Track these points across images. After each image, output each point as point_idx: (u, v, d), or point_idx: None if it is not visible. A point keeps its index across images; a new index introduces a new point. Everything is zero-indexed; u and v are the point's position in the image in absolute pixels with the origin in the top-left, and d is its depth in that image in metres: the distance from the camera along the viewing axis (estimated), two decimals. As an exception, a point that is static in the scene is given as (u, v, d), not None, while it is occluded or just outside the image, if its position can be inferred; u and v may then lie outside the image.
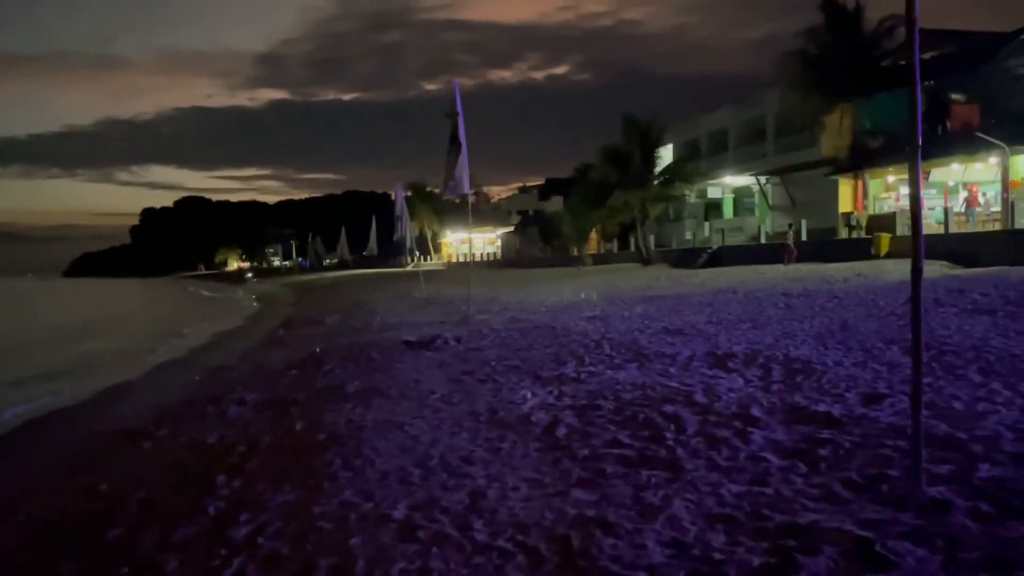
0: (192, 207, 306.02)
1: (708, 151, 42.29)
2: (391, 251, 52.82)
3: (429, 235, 77.04)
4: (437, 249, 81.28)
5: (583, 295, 19.80)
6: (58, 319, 36.67)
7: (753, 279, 20.97)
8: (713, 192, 43.23)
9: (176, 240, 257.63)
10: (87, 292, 78.98)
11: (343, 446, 5.48)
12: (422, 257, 77.38)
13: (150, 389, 11.76)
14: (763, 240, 32.78)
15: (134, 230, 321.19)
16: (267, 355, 13.71)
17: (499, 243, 72.74)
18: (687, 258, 34.11)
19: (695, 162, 38.58)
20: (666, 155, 39.59)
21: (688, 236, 41.70)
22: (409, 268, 39.16)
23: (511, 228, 70.78)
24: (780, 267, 25.10)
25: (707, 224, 42.26)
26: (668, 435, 4.92)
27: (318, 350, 12.69)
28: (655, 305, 15.45)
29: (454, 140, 14.59)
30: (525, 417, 5.77)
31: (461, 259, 71.43)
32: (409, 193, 74.13)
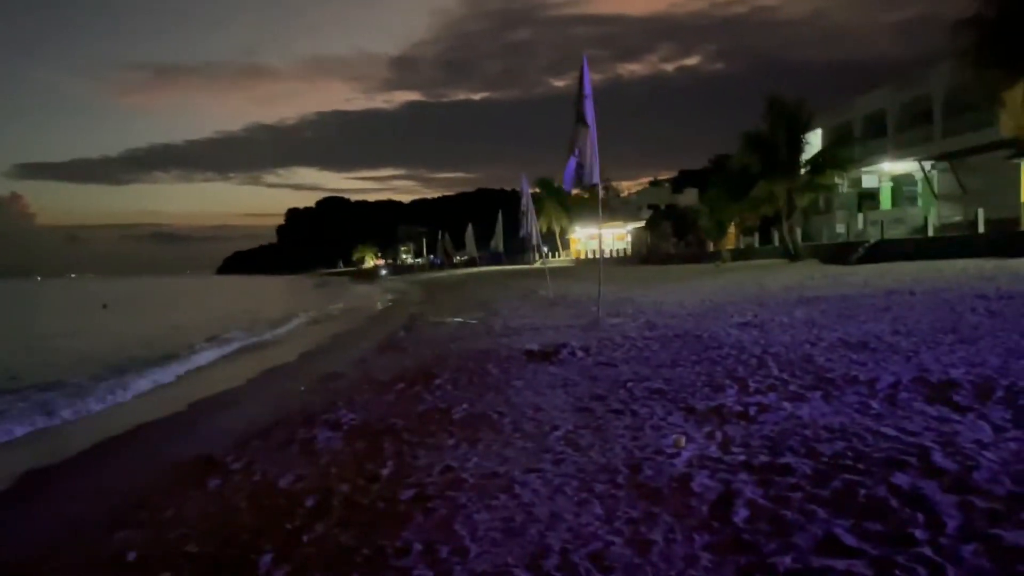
0: (332, 207, 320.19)
1: (862, 136, 38.44)
2: (517, 248, 51.77)
3: (557, 231, 75.72)
4: (565, 246, 79.81)
5: (728, 295, 17.70)
6: (195, 314, 37.88)
7: (929, 277, 18.14)
8: (868, 181, 39.34)
9: (317, 238, 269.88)
10: (231, 288, 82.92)
11: (430, 516, 4.01)
12: (550, 254, 76.19)
13: (251, 399, 10.85)
14: (931, 232, 29.16)
15: (280, 229, 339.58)
16: (380, 362, 12.60)
17: (629, 239, 70.33)
18: (840, 253, 30.92)
19: (848, 148, 35.00)
20: (814, 141, 36.25)
21: (840, 229, 38.16)
22: (536, 265, 37.86)
23: (642, 223, 68.20)
24: (958, 263, 21.89)
25: (861, 216, 38.53)
26: (918, 534, 3.13)
27: (432, 358, 11.46)
28: (817, 309, 13.24)
29: (580, 121, 12.95)
30: (681, 481, 4.10)
31: (589, 255, 69.65)
32: (537, 189, 73.19)
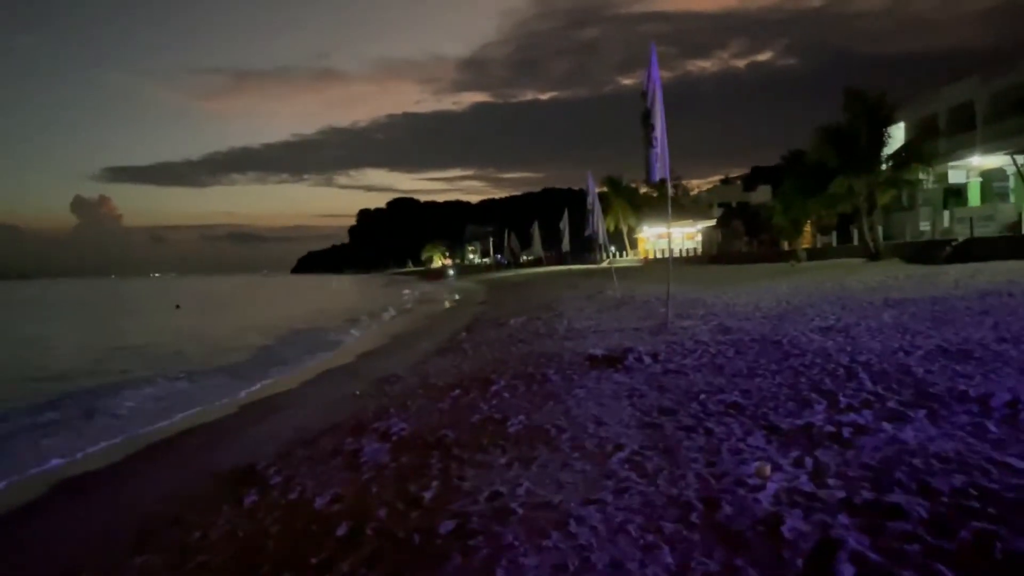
0: (402, 207, 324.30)
1: (948, 129, 36.32)
2: (584, 247, 50.94)
3: (625, 230, 74.47)
4: (633, 245, 78.48)
5: (806, 297, 16.69)
6: (265, 313, 38.41)
7: (1026, 278, 16.76)
8: (954, 176, 37.10)
9: (388, 238, 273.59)
10: (305, 287, 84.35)
11: (470, 557, 3.46)
12: (617, 253, 74.95)
13: (302, 403, 10.53)
14: (1025, 230, 27.24)
15: (352, 230, 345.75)
16: (439, 364, 12.16)
17: (699, 238, 68.59)
18: (925, 252, 29.20)
19: (933, 141, 33.05)
20: (897, 135, 34.39)
21: (924, 227, 36.15)
22: (603, 265, 37.07)
23: (712, 221, 66.41)
24: (1059, 262, 20.27)
25: (947, 213, 36.41)
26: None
27: (492, 362, 10.96)
28: (906, 312, 12.23)
29: (650, 113, 12.25)
30: (768, 523, 3.45)
31: (658, 255, 68.28)
32: (604, 188, 72.12)
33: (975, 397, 5.60)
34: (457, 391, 8.75)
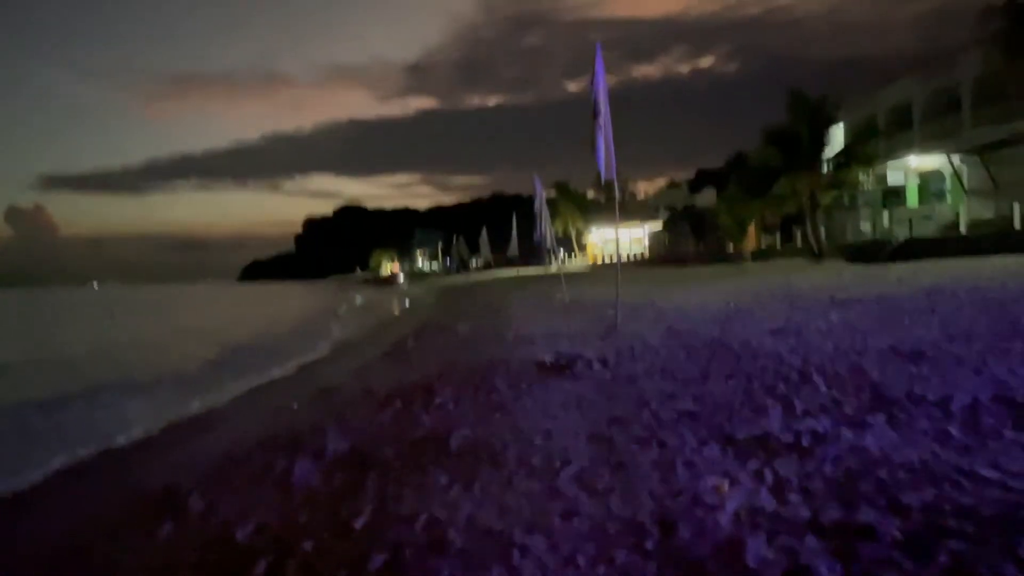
0: (350, 215, 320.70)
1: (887, 130, 37.11)
2: (533, 252, 50.85)
3: (573, 234, 74.76)
4: (582, 249, 78.82)
5: (754, 298, 16.66)
6: (205, 323, 37.29)
7: (967, 276, 16.99)
8: (893, 177, 37.99)
9: (335, 245, 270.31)
10: (247, 296, 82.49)
11: (401, 595, 3.08)
12: (566, 257, 75.13)
13: (238, 418, 9.98)
14: (962, 229, 27.93)
15: (298, 238, 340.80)
16: (382, 373, 11.70)
17: (647, 241, 69.16)
18: (867, 252, 29.77)
19: (872, 142, 33.73)
20: (837, 136, 35.05)
21: (864, 227, 36.92)
22: (552, 269, 36.93)
23: (659, 224, 67.05)
24: (995, 260, 20.72)
25: (886, 213, 37.24)
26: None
27: (438, 370, 10.56)
28: (854, 312, 12.19)
29: (595, 112, 12.02)
30: (730, 547, 3.14)
31: (607, 259, 68.63)
32: (553, 193, 72.23)
33: (934, 400, 5.41)
34: (399, 402, 8.33)
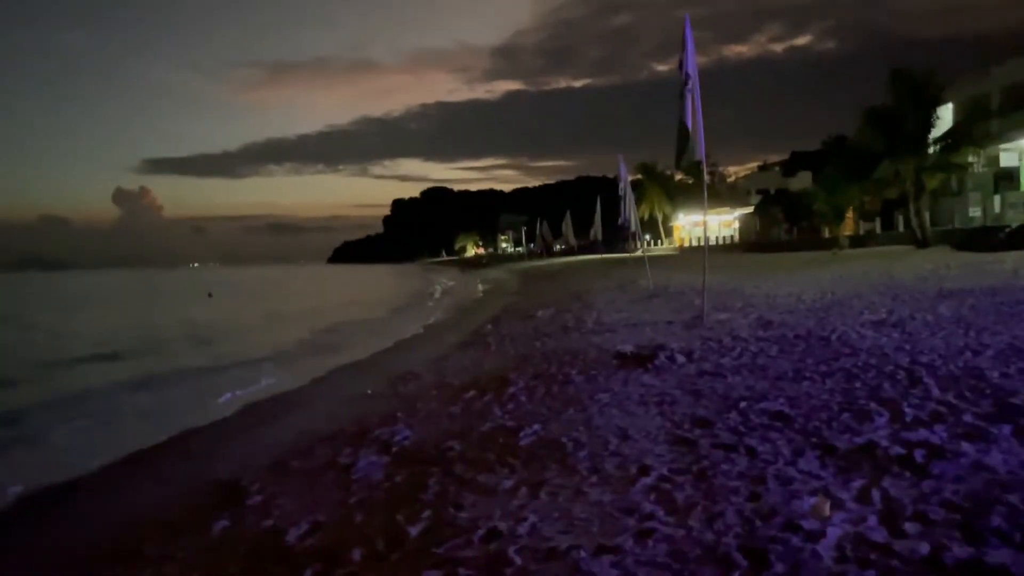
0: (436, 197, 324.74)
1: (1001, 110, 34.54)
2: (617, 236, 49.88)
3: (660, 218, 73.23)
4: (668, 233, 77.15)
5: (852, 287, 15.66)
6: (295, 304, 38.12)
7: (1095, 266, 15.56)
8: (1007, 159, 35.35)
9: (422, 227, 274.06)
10: (335, 276, 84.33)
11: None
12: (652, 241, 73.67)
13: (310, 403, 9.88)
14: (1087, 215, 25.73)
15: (386, 219, 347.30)
16: (459, 360, 11.46)
17: (736, 225, 67.02)
18: (976, 239, 27.77)
19: (984, 122, 31.41)
20: (945, 116, 32.83)
21: (973, 213, 34.57)
22: (636, 254, 36.12)
23: (750, 208, 64.78)
24: None
25: (997, 198, 34.77)
26: None
27: (514, 359, 10.25)
28: (965, 304, 11.22)
29: (684, 89, 11.36)
30: (833, 589, 2.66)
31: (694, 243, 66.90)
32: (639, 175, 70.86)
33: (1071, 410, 4.72)
34: (472, 392, 8.04)
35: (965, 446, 4.18)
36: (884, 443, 4.39)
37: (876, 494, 3.58)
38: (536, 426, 5.88)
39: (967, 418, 4.77)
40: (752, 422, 5.25)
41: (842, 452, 4.35)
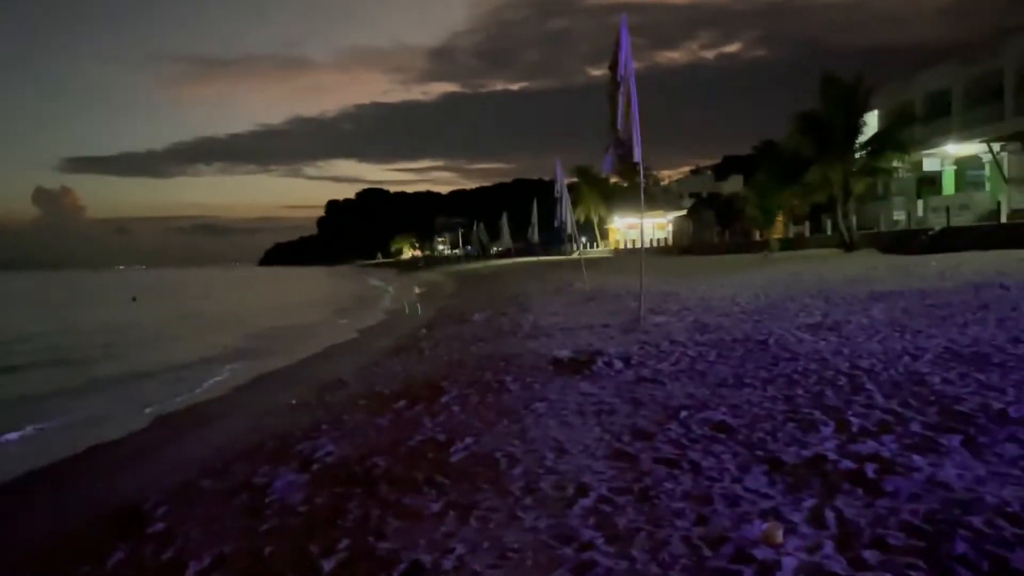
0: (372, 198, 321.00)
1: (924, 116, 35.68)
2: (554, 238, 49.83)
3: (595, 221, 73.69)
4: (604, 235, 77.73)
5: (785, 290, 15.76)
6: (221, 308, 36.88)
7: (1014, 269, 16.00)
8: (929, 164, 36.55)
9: (357, 229, 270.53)
10: (265, 279, 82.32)
11: None
12: (588, 244, 74.06)
13: (231, 415, 9.32)
14: (1003, 219, 26.70)
15: (320, 221, 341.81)
16: (391, 368, 11.02)
17: (670, 228, 67.93)
18: (901, 242, 28.56)
19: (909, 129, 32.34)
20: (871, 122, 33.72)
21: (898, 216, 35.64)
22: (573, 256, 36.09)
23: (683, 212, 65.77)
24: (1042, 252, 19.58)
25: (920, 202, 35.92)
26: None
27: (447, 365, 9.87)
28: (896, 306, 11.31)
29: (616, 89, 11.16)
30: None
31: (629, 245, 67.53)
32: (575, 178, 71.11)
33: (1017, 418, 4.60)
34: (402, 402, 7.63)
35: (917, 459, 3.98)
36: (832, 456, 4.17)
37: (830, 515, 3.33)
38: (468, 439, 5.52)
39: (915, 427, 4.61)
40: (694, 433, 4.99)
41: (789, 466, 4.12)
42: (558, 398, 6.70)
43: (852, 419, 4.91)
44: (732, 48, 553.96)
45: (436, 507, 4.12)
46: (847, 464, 3.99)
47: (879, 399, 5.43)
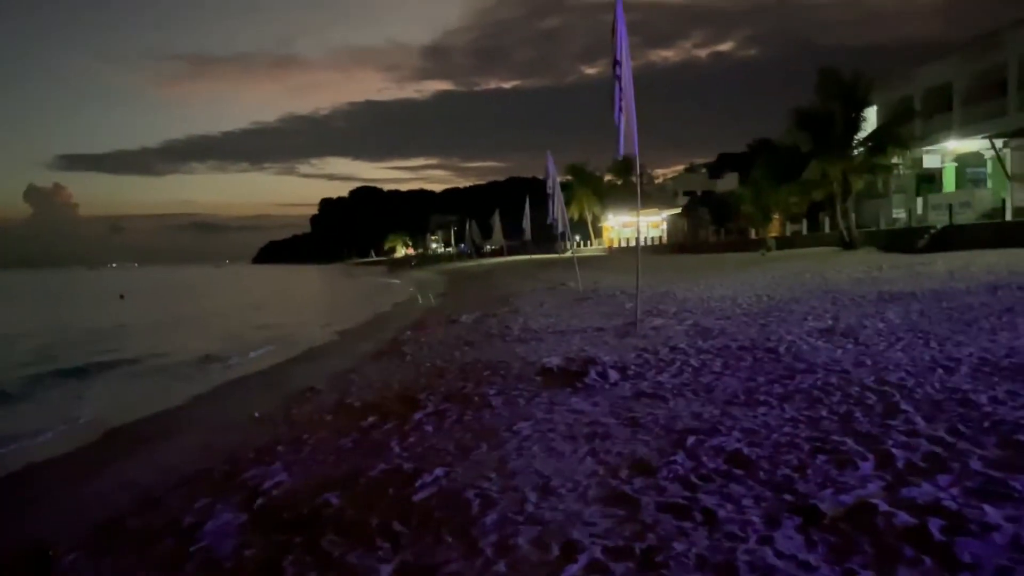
0: (365, 196, 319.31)
1: (924, 112, 34.91)
2: (547, 236, 48.97)
3: (589, 218, 72.90)
4: (598, 234, 76.93)
5: (788, 290, 14.96)
6: (206, 306, 35.95)
7: (1027, 268, 15.26)
8: (929, 161, 35.78)
9: (351, 227, 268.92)
10: (258, 277, 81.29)
11: None
12: (582, 242, 73.19)
13: (183, 430, 8.40)
14: (1008, 216, 25.98)
15: (314, 219, 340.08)
16: (368, 375, 10.16)
17: (664, 226, 67.10)
18: (901, 240, 27.85)
19: (908, 124, 31.58)
20: (870, 118, 33.00)
21: (897, 214, 34.93)
22: (566, 255, 35.25)
23: (678, 210, 64.94)
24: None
25: (920, 199, 35.20)
26: None
27: (428, 374, 9.05)
28: (911, 309, 10.52)
29: (617, 79, 10.35)
30: None
31: (623, 243, 66.75)
32: (568, 177, 70.25)
33: (1097, 452, 3.79)
34: (372, 418, 6.80)
35: (989, 511, 3.17)
36: (881, 504, 3.35)
37: (893, 598, 2.51)
38: (438, 471, 4.69)
39: (975, 465, 3.79)
40: (705, 467, 4.17)
41: (827, 517, 3.30)
42: (544, 417, 5.89)
43: (895, 451, 4.10)
44: (725, 47, 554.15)
45: (387, 570, 3.29)
46: (904, 518, 3.17)
47: (920, 424, 4.62)
